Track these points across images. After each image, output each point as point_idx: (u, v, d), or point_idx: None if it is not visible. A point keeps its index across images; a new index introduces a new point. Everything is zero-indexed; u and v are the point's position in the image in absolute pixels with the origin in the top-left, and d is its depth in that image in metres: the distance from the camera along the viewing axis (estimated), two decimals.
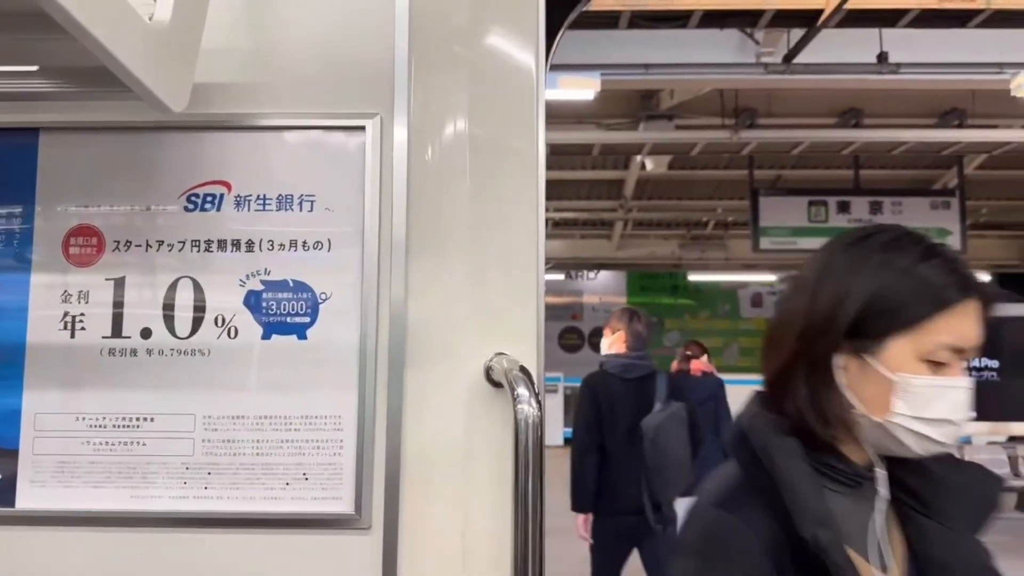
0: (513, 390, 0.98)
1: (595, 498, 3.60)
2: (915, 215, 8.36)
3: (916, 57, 5.39)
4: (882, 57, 5.24)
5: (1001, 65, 5.36)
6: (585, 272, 16.43)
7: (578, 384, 15.60)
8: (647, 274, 16.60)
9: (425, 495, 1.10)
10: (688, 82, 5.88)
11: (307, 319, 1.17)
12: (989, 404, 8.09)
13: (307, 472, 1.15)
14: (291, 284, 1.18)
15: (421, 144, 1.19)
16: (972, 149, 8.02)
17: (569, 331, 17.16)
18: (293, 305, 1.17)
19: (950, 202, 8.40)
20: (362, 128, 1.18)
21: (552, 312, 17.25)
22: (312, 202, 1.20)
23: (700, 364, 5.59)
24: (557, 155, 9.29)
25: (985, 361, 8.12)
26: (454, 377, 1.13)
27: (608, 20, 5.27)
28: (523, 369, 1.02)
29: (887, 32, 5.42)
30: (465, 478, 1.10)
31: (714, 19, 5.16)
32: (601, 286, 17.14)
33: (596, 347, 16.89)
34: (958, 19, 5.33)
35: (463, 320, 1.15)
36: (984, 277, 14.21)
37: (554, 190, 11.56)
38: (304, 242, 1.19)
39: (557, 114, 7.36)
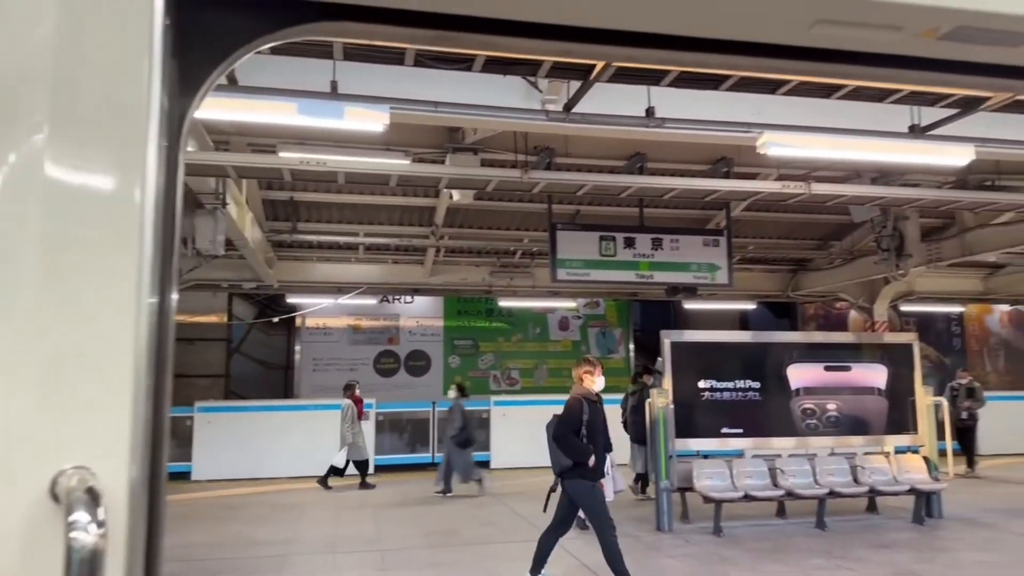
0: (69, 514, 0.83)
1: None
2: (690, 251, 9.21)
3: (680, 113, 5.94)
4: (650, 111, 5.72)
5: (749, 124, 6.05)
6: (403, 296, 16.34)
7: (395, 410, 15.42)
8: (464, 298, 16.85)
9: None
10: (475, 122, 6.05)
11: None
12: (752, 421, 9.02)
13: None
14: None
15: None
16: (736, 196, 8.97)
17: (385, 355, 16.95)
18: None
19: (719, 240, 9.34)
20: None
21: (368, 336, 16.96)
22: None
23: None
24: (361, 183, 9.16)
25: (748, 382, 9.07)
26: (12, 496, 0.91)
27: (395, 56, 5.29)
28: (90, 490, 0.86)
29: (656, 89, 5.93)
30: None
31: (497, 65, 5.35)
32: (419, 310, 17.12)
33: (413, 371, 16.94)
34: (712, 81, 5.95)
35: (31, 425, 0.93)
36: (749, 304, 15.88)
37: (364, 214, 11.41)
38: None
39: (363, 141, 7.28)
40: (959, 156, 6.48)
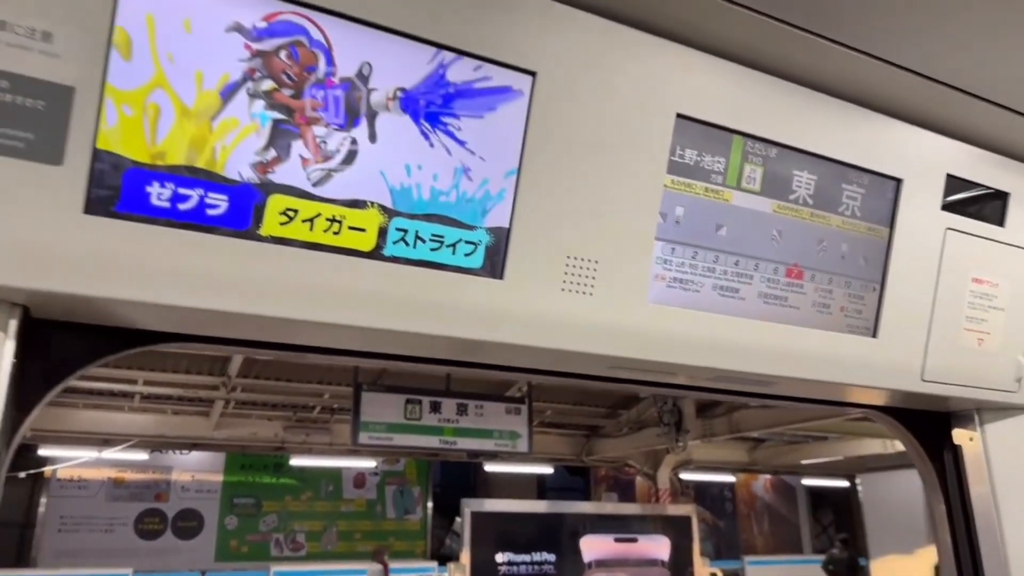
0: None
1: None
2: (494, 418, 9.35)
3: None
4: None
5: None
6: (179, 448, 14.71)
7: None
8: (251, 452, 15.52)
9: None
10: None
11: None
12: None
13: None
14: None
15: None
16: None
17: (150, 514, 14.86)
18: None
19: (521, 408, 9.59)
20: None
21: (131, 491, 14.86)
22: None
23: None
24: None
25: (544, 554, 9.06)
26: None
27: None
28: None
29: None
30: None
31: None
32: (195, 463, 15.45)
33: (181, 533, 14.95)
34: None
35: None
36: (548, 468, 16.28)
37: (146, 360, 10.35)
38: None
39: None
40: None
